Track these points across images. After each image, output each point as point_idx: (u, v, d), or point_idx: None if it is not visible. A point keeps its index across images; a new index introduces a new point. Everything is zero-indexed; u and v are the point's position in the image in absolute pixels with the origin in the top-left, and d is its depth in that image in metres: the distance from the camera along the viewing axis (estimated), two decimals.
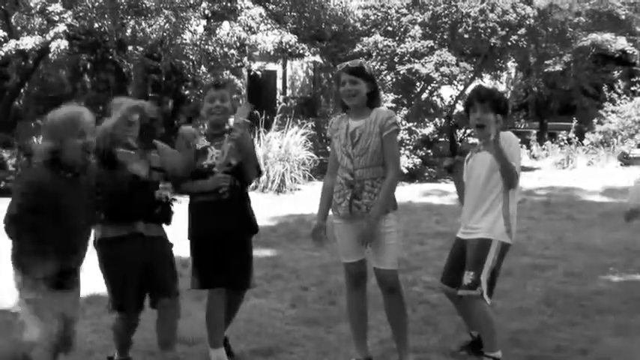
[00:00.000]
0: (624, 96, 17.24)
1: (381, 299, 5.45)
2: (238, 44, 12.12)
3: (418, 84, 14.38)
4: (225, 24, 12.45)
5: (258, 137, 11.83)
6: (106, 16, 10.52)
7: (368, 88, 3.83)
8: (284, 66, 19.60)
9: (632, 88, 17.57)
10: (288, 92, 20.13)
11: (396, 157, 3.89)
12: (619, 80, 17.98)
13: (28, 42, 9.82)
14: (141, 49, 12.12)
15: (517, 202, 3.98)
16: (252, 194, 12.24)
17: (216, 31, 12.12)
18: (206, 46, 11.80)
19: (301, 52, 13.15)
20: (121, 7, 10.63)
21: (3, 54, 10.05)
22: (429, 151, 13.87)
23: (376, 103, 3.92)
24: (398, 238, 3.98)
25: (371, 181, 3.79)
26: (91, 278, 5.83)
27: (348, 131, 3.85)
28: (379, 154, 3.78)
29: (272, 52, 13.01)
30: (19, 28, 10.94)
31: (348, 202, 3.82)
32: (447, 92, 15.41)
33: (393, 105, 13.17)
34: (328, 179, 4.01)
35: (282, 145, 11.89)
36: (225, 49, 11.95)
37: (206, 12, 12.47)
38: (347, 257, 4.00)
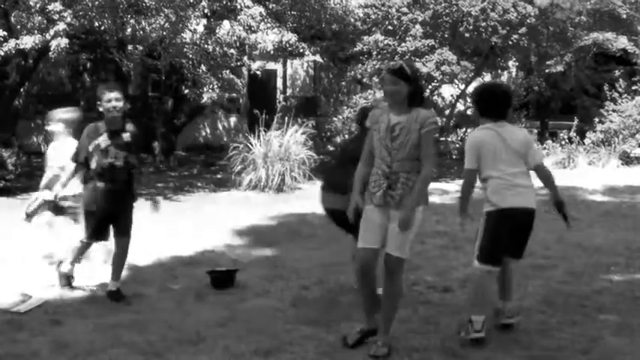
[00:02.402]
0: (625, 95, 17.22)
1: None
2: (238, 43, 12.10)
3: None
4: (225, 23, 12.42)
5: (259, 136, 11.82)
6: (106, 15, 10.48)
7: (408, 88, 4.05)
8: (284, 65, 19.60)
9: (633, 88, 17.54)
10: (289, 91, 20.13)
11: (432, 154, 4.14)
12: (620, 79, 17.95)
13: (28, 41, 9.79)
14: (141, 48, 12.10)
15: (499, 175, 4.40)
16: (251, 194, 12.25)
17: (216, 31, 12.10)
18: (206, 46, 11.78)
19: (301, 51, 13.13)
20: (121, 6, 10.60)
21: (3, 53, 10.02)
22: None
23: (417, 102, 4.12)
24: (416, 231, 4.20)
25: (406, 174, 4.08)
26: (91, 278, 5.84)
27: (388, 125, 4.09)
28: (416, 149, 4.06)
29: (272, 52, 13.00)
30: (18, 27, 10.92)
31: (383, 192, 4.11)
32: (448, 91, 15.40)
33: None
34: (362, 169, 4.29)
35: (283, 144, 11.86)
36: (225, 49, 11.93)
37: (206, 11, 12.45)
38: (365, 242, 4.17)
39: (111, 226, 5.31)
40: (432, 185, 12.46)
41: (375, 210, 4.15)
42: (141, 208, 9.92)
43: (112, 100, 5.02)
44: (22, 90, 14.10)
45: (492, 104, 4.54)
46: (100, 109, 5.11)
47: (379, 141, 4.13)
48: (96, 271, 5.77)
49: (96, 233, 5.30)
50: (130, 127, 5.24)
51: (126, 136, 5.16)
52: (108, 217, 5.23)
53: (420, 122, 4.04)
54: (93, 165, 5.08)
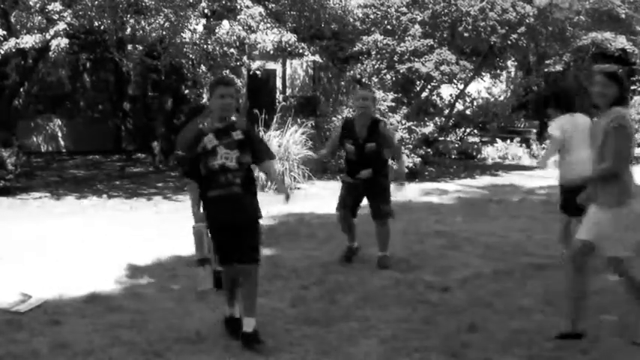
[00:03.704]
0: None
1: (383, 299, 5.47)
2: (238, 43, 12.08)
3: (418, 83, 14.36)
4: (225, 23, 12.41)
5: None
6: (106, 14, 10.48)
7: (618, 91, 4.27)
8: (284, 65, 19.58)
9: (632, 87, 17.55)
10: (288, 91, 20.12)
11: (616, 151, 4.19)
12: None
13: (28, 40, 9.80)
14: (140, 47, 12.10)
15: None
16: None
17: (216, 30, 12.08)
18: (206, 45, 11.77)
19: (301, 51, 13.12)
20: (121, 5, 10.59)
21: (3, 52, 10.02)
22: (429, 150, 13.86)
23: (619, 104, 4.29)
24: (620, 232, 4.26)
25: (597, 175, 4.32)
26: (91, 277, 5.85)
27: (597, 127, 4.37)
28: (602, 153, 4.24)
29: (272, 51, 12.99)
30: (18, 26, 10.92)
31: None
32: (447, 91, 15.40)
33: (393, 104, 13.15)
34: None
35: (282, 144, 11.88)
36: (225, 48, 11.92)
37: (206, 11, 12.44)
38: (577, 234, 4.52)
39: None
40: (431, 185, 12.56)
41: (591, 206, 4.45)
42: (140, 208, 9.96)
43: (224, 96, 4.37)
44: (21, 90, 14.11)
45: None
46: (208, 104, 4.48)
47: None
48: None
49: (220, 255, 4.42)
50: (240, 123, 4.60)
51: (236, 134, 4.40)
52: (225, 232, 4.37)
53: (607, 122, 4.19)
54: (202, 171, 4.36)
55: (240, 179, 4.36)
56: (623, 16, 15.99)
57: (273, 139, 11.86)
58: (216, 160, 4.32)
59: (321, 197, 11.06)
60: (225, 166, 4.32)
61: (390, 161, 6.79)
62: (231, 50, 11.97)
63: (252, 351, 4.23)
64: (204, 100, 12.85)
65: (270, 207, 9.97)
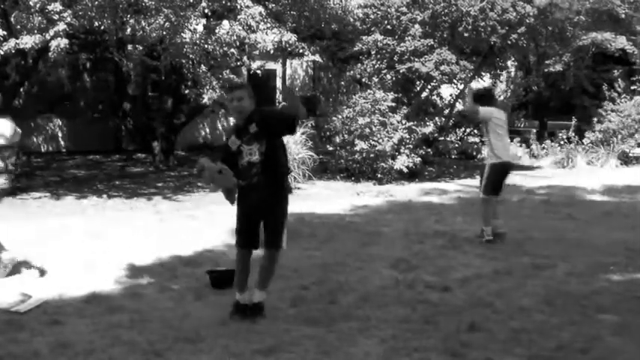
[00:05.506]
0: (624, 95, 17.24)
1: (383, 299, 5.47)
2: (238, 43, 12.09)
3: (418, 83, 14.36)
4: (225, 23, 12.42)
5: None
6: (106, 14, 10.48)
7: None
8: (284, 65, 19.59)
9: (632, 87, 17.57)
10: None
11: None
12: (619, 79, 17.98)
13: (27, 41, 9.79)
14: (140, 48, 12.09)
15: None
16: None
17: (216, 30, 12.09)
18: (206, 45, 11.78)
19: (301, 51, 13.13)
20: (121, 5, 10.60)
21: (3, 52, 10.02)
22: (429, 150, 13.87)
23: None
24: None
25: None
26: (91, 277, 5.85)
27: None
28: None
29: (272, 51, 13.00)
30: (18, 27, 10.91)
31: None
32: (447, 91, 15.40)
33: (393, 104, 13.15)
34: None
35: None
36: (225, 48, 11.92)
37: (206, 11, 12.44)
38: None
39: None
40: (431, 185, 12.57)
41: None
42: (140, 208, 9.96)
43: (233, 99, 4.80)
44: (21, 90, 14.11)
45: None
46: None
47: None
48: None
49: (242, 240, 4.86)
50: (257, 116, 4.76)
51: (252, 127, 4.73)
52: (251, 218, 4.84)
53: None
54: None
55: (263, 167, 4.74)
56: (623, 16, 16.03)
57: None
58: (243, 158, 4.77)
59: (322, 197, 11.07)
60: (250, 162, 4.75)
61: None
62: (232, 50, 11.97)
63: (250, 321, 4.71)
64: (205, 100, 12.86)
65: None
